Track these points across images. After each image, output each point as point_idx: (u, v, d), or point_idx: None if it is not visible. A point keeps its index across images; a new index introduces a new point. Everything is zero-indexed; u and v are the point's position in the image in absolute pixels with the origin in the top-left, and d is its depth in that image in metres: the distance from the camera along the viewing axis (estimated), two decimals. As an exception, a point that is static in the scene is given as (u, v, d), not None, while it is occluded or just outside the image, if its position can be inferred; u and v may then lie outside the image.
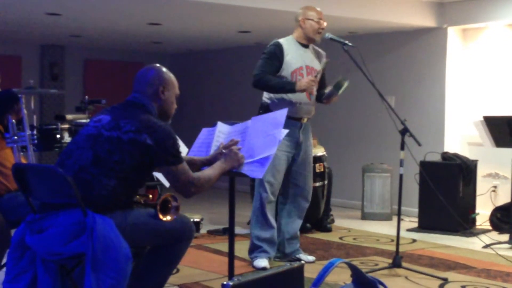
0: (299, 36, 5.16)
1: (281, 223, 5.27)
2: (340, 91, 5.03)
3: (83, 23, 8.04)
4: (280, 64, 5.04)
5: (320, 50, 5.30)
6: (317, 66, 5.20)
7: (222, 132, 3.79)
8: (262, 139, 3.56)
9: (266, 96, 5.14)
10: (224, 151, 3.54)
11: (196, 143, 3.86)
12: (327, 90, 5.13)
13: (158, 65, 3.44)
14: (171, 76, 3.42)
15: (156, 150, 3.13)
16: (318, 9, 5.17)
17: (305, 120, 5.17)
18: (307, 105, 5.13)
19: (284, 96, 5.03)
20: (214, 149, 3.68)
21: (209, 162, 3.56)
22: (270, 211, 5.13)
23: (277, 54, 5.04)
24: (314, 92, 5.14)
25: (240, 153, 3.50)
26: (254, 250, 5.13)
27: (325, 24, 5.13)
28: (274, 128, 3.59)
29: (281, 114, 3.69)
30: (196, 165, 3.58)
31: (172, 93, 3.38)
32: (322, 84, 5.25)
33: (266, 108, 5.07)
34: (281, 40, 5.13)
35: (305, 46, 5.18)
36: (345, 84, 5.00)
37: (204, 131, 3.91)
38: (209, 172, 3.38)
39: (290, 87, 4.96)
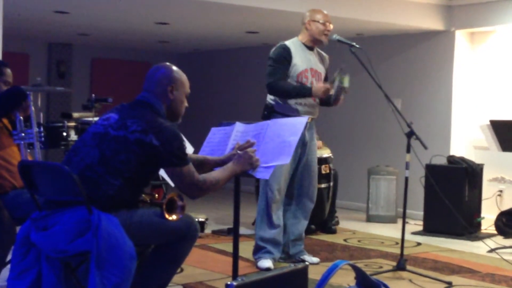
0: (304, 38, 5.17)
1: (286, 224, 5.26)
2: (346, 85, 4.93)
3: (91, 21, 8.06)
4: (289, 66, 5.04)
5: (323, 53, 5.32)
6: (321, 69, 5.22)
7: (239, 131, 3.70)
8: (277, 144, 3.48)
9: (270, 97, 5.14)
10: (239, 152, 3.46)
11: (209, 143, 3.78)
12: (332, 91, 5.08)
13: (168, 64, 3.41)
14: (181, 75, 3.38)
15: (162, 151, 3.12)
16: (325, 11, 5.17)
17: (310, 119, 5.17)
18: (312, 106, 5.14)
19: None
20: (230, 149, 3.61)
21: (222, 163, 3.49)
22: (275, 211, 5.12)
23: (286, 57, 5.04)
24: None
25: (255, 156, 3.42)
26: (258, 250, 5.13)
27: (331, 26, 5.13)
28: (291, 135, 3.51)
29: (301, 121, 3.63)
30: (209, 165, 3.53)
31: (181, 93, 3.35)
32: None
33: (270, 109, 5.09)
34: (287, 43, 5.13)
35: (310, 48, 5.18)
36: (347, 76, 4.92)
37: (214, 130, 3.83)
38: (217, 174, 3.34)
39: (306, 92, 4.98)
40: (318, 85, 4.99)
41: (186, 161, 3.20)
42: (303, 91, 5.00)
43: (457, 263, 5.51)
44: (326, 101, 5.14)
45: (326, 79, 5.28)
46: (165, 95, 3.30)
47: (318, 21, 5.09)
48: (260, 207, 5.16)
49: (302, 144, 5.16)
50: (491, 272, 5.22)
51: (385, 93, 4.93)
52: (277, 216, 5.13)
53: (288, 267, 2.72)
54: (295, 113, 4.96)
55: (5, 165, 3.92)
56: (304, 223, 5.33)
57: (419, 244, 6.35)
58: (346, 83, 4.93)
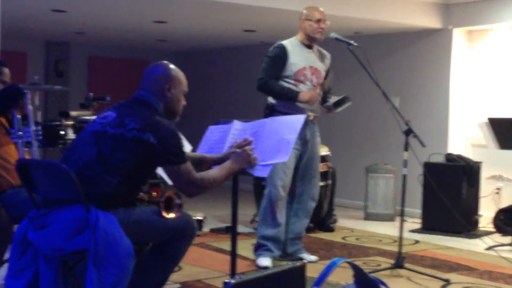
0: (301, 36, 5.17)
1: (287, 222, 5.26)
2: (339, 110, 5.17)
3: (89, 20, 8.05)
4: (284, 66, 5.05)
5: (324, 51, 5.31)
6: (321, 67, 5.22)
7: (237, 129, 3.71)
8: (276, 142, 3.48)
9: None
10: (237, 150, 3.46)
11: (206, 141, 3.78)
12: (330, 100, 5.15)
13: (165, 62, 3.41)
14: (178, 73, 3.38)
15: (160, 149, 3.12)
16: (321, 9, 5.16)
17: (311, 117, 5.16)
18: (312, 105, 5.14)
19: None
20: (228, 147, 3.61)
21: (220, 161, 3.49)
22: (280, 208, 5.11)
23: (282, 57, 5.05)
24: (319, 98, 5.16)
25: (253, 154, 3.42)
26: (259, 248, 5.14)
27: (327, 23, 5.12)
28: (289, 133, 3.51)
29: (298, 119, 3.63)
30: (207, 164, 3.53)
31: (179, 91, 3.35)
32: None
33: (271, 109, 5.09)
34: (285, 42, 5.13)
35: (309, 47, 5.18)
36: (347, 105, 5.15)
37: (212, 128, 3.84)
38: (214, 172, 3.34)
39: (292, 95, 4.99)
40: (305, 91, 5.00)
41: (184, 159, 3.20)
42: (290, 95, 5.00)
43: (455, 261, 5.51)
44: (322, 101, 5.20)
45: (326, 77, 5.28)
46: (162, 94, 3.30)
47: (311, 20, 5.09)
48: (263, 205, 5.15)
49: (304, 142, 5.15)
50: (489, 269, 5.23)
51: (383, 91, 4.93)
52: (281, 214, 5.13)
53: (286, 265, 2.73)
54: (297, 111, 4.92)
55: (3, 164, 3.91)
56: (305, 222, 5.32)
57: (417, 242, 6.36)
58: (339, 109, 5.19)
